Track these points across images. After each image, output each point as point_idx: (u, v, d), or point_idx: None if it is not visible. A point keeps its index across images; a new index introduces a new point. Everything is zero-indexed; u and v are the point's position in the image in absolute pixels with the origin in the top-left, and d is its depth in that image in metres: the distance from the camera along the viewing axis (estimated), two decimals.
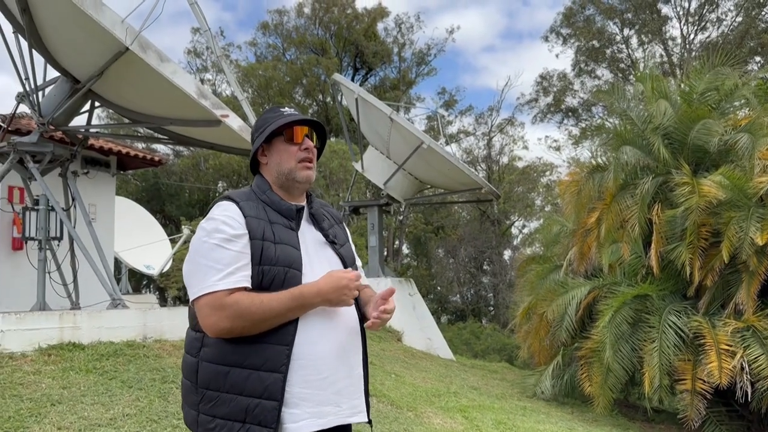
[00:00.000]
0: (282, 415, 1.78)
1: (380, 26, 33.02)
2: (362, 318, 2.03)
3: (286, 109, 2.05)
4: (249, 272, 1.82)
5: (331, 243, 2.05)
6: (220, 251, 1.81)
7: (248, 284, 1.81)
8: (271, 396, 1.77)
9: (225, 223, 1.84)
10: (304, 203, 2.05)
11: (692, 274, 8.81)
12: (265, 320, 1.78)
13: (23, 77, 7.58)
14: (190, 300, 1.86)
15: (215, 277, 1.78)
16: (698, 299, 9.14)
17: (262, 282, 1.83)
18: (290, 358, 1.80)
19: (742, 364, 8.06)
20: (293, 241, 1.91)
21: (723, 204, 8.75)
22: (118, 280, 12.98)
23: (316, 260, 1.96)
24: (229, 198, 1.93)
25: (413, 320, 13.51)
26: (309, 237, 2.00)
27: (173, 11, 54.00)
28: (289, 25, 32.82)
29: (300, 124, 2.01)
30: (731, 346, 8.22)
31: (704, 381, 8.18)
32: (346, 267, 2.03)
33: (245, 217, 1.86)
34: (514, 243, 31.62)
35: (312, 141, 2.04)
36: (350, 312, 1.97)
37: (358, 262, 2.19)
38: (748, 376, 7.99)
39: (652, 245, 9.24)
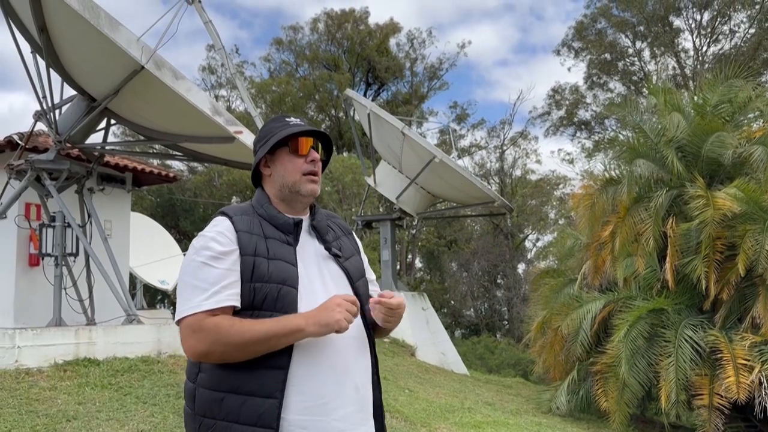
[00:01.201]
0: None
1: (392, 41, 33.28)
2: (371, 334, 1.93)
3: (292, 118, 1.95)
4: (237, 290, 1.73)
5: (335, 256, 1.92)
6: (206, 270, 1.72)
7: (236, 303, 1.72)
8: (266, 424, 1.66)
9: (214, 239, 1.76)
10: (305, 216, 1.95)
11: (708, 287, 8.73)
12: (245, 346, 1.66)
13: (41, 96, 7.71)
14: (175, 321, 1.77)
15: (200, 298, 1.70)
16: (714, 313, 9.05)
17: (254, 300, 1.73)
18: (286, 383, 1.69)
19: (760, 379, 7.96)
20: (289, 257, 1.80)
21: (738, 217, 8.68)
22: (133, 296, 13.06)
23: (317, 276, 1.85)
24: (223, 213, 1.85)
25: (426, 335, 13.47)
26: (310, 251, 1.88)
27: (189, 30, 54.75)
28: (303, 41, 33.16)
29: (306, 135, 1.91)
30: (749, 360, 8.12)
31: (722, 396, 8.08)
32: (351, 281, 1.91)
33: (237, 232, 1.77)
34: (528, 256, 31.50)
35: (318, 153, 1.94)
36: (355, 327, 1.80)
37: (371, 275, 2.07)
38: (767, 391, 7.89)
39: (667, 259, 9.18)
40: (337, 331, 1.70)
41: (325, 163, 2.00)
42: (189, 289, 1.73)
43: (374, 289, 2.04)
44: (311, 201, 1.95)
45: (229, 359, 1.69)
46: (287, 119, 1.94)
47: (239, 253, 1.74)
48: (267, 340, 1.67)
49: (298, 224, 1.87)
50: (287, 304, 1.73)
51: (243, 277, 1.73)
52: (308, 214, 1.96)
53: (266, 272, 1.74)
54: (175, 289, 15.67)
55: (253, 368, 1.69)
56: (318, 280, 1.84)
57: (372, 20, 33.17)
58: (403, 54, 33.50)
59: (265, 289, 1.72)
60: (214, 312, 1.69)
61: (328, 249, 1.91)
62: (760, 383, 7.94)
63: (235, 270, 1.73)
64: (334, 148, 2.07)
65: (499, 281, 30.13)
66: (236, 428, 1.68)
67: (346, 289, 1.87)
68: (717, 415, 8.09)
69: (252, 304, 1.73)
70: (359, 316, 1.84)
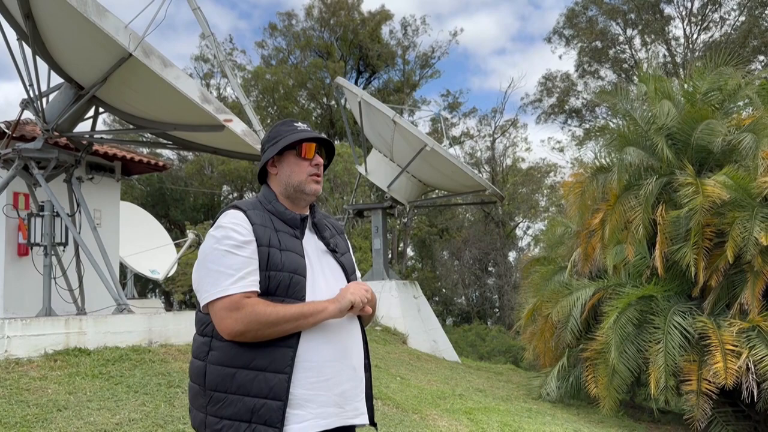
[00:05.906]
0: (287, 416, 1.85)
1: (385, 29, 33.07)
2: (363, 326, 2.15)
3: (300, 124, 2.15)
4: (258, 277, 1.90)
5: (332, 251, 2.14)
6: (230, 257, 1.90)
7: (257, 288, 1.90)
8: (276, 396, 1.84)
9: (234, 230, 1.93)
10: (307, 213, 2.14)
11: (697, 274, 8.78)
12: (277, 324, 1.85)
13: (27, 84, 7.62)
14: (202, 304, 1.94)
15: (227, 282, 1.87)
16: (703, 300, 9.12)
17: (268, 286, 1.91)
18: (294, 360, 1.88)
19: (747, 365, 8.04)
20: (297, 249, 2.00)
21: (727, 204, 8.72)
22: (124, 285, 13.02)
23: (318, 267, 2.05)
24: (236, 207, 2.02)
25: (418, 322, 13.51)
26: (312, 245, 2.09)
27: (188, 19, 54.28)
28: (297, 27, 32.88)
29: (311, 141, 2.11)
30: (736, 346, 8.19)
31: (710, 381, 8.15)
32: (346, 274, 2.14)
33: (252, 224, 1.95)
34: (519, 244, 31.62)
35: (321, 157, 2.15)
36: (352, 318, 2.06)
37: (357, 273, 2.28)
38: (754, 377, 7.96)
39: (657, 246, 9.22)
40: (352, 308, 1.98)
41: (325, 166, 2.22)
42: (215, 274, 1.90)
43: None
44: (313, 200, 2.15)
45: (260, 337, 1.86)
46: (295, 124, 2.14)
47: (256, 244, 1.93)
48: (296, 320, 1.87)
49: (304, 220, 2.10)
50: (297, 291, 1.94)
51: (259, 266, 1.92)
52: (308, 212, 2.16)
53: (279, 262, 1.93)
54: (166, 279, 15.63)
55: (264, 346, 1.87)
56: (320, 271, 2.05)
57: (365, 7, 32.97)
58: (395, 42, 33.35)
59: (279, 277, 1.92)
60: (246, 295, 1.87)
61: (326, 244, 2.14)
62: (748, 369, 8.01)
63: (255, 258, 1.92)
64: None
65: (490, 269, 30.25)
66: (247, 400, 1.84)
67: (342, 281, 2.11)
68: (705, 400, 8.16)
69: (267, 291, 1.92)
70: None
